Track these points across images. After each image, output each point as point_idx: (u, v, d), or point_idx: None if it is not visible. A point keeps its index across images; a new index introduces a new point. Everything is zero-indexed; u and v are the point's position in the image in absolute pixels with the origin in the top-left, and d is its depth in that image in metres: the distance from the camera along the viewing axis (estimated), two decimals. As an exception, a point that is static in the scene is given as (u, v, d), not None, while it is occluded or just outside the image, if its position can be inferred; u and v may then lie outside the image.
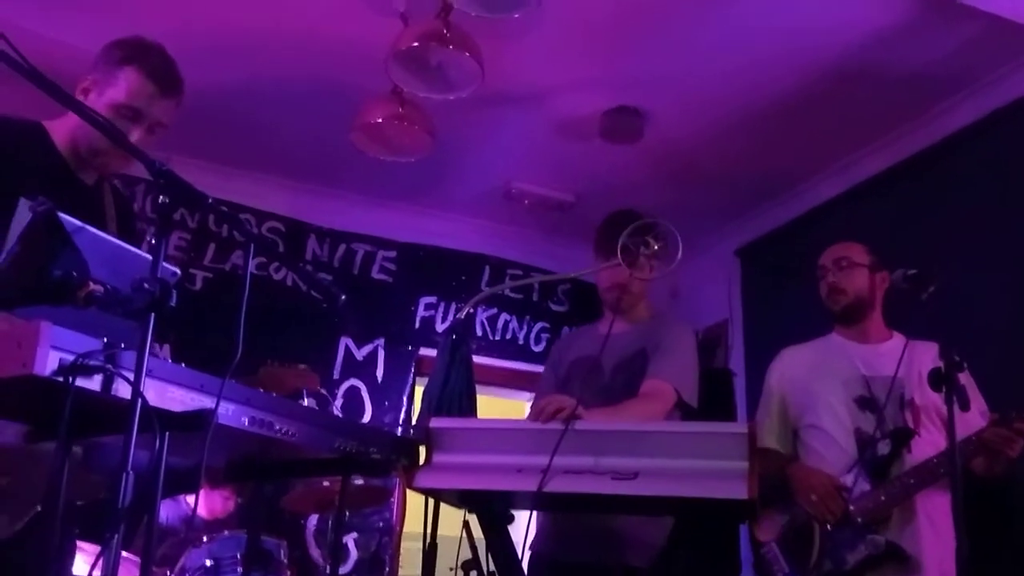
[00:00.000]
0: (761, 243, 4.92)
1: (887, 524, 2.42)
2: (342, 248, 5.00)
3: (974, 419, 2.40)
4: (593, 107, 4.05)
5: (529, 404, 2.76)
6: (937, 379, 2.05)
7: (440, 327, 5.11)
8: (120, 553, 1.38)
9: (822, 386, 2.65)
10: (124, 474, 1.35)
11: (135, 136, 1.97)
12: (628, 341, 2.54)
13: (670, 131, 4.19)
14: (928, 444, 2.35)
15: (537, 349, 5.23)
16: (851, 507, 2.46)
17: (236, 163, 4.58)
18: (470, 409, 2.42)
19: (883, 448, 2.47)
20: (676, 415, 2.46)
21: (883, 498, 2.42)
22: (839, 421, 2.57)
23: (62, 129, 2.01)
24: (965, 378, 2.51)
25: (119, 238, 1.99)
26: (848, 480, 2.47)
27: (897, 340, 2.62)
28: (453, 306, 5.15)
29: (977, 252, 3.53)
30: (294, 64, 3.78)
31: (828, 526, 2.46)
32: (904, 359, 2.43)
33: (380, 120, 3.49)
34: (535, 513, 2.36)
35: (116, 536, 1.32)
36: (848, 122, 4.04)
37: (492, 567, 2.56)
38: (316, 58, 3.73)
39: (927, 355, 2.35)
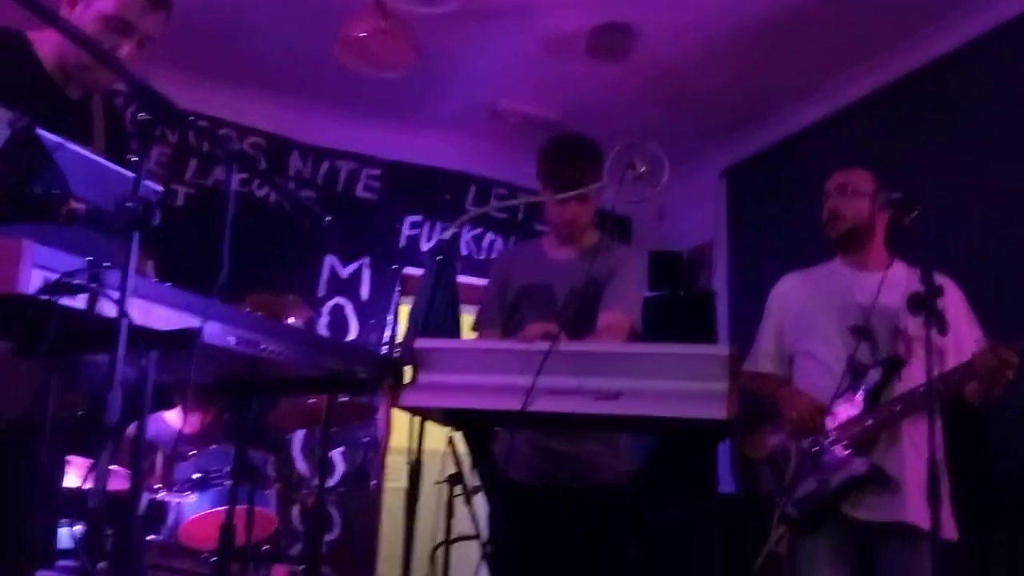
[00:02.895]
0: (747, 165, 4.91)
1: (873, 448, 2.47)
2: (325, 165, 4.95)
3: (968, 346, 2.43)
4: (581, 23, 3.97)
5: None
6: (916, 303, 2.07)
7: (425, 246, 5.10)
8: (108, 468, 1.40)
9: (818, 313, 2.67)
10: (110, 392, 1.36)
11: (125, 50, 1.92)
12: (578, 268, 2.53)
13: (658, 50, 4.12)
14: (918, 372, 2.38)
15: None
16: (838, 430, 2.51)
17: (217, 76, 4.47)
18: (455, 330, 2.44)
19: (874, 376, 2.50)
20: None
21: (869, 423, 2.47)
22: (832, 349, 2.60)
23: (47, 41, 1.95)
24: (961, 306, 2.55)
25: (108, 153, 1.98)
26: (838, 406, 2.52)
27: (898, 269, 2.61)
28: (438, 225, 5.13)
29: (964, 176, 3.53)
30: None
31: (810, 448, 2.52)
32: (898, 287, 2.44)
33: (364, 34, 3.42)
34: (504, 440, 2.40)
35: (104, 453, 1.34)
36: (836, 44, 3.99)
37: (475, 482, 2.64)
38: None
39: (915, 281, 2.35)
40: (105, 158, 1.96)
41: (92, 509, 1.48)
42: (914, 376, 2.46)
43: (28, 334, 1.51)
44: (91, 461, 2.70)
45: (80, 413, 1.81)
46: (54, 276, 1.32)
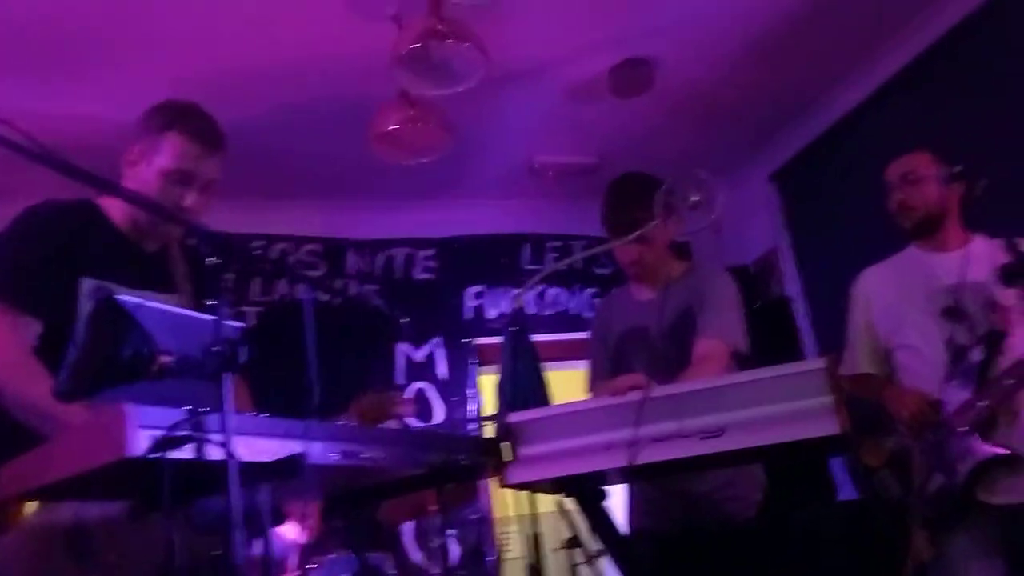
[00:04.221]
0: (794, 164, 4.84)
1: (994, 429, 2.38)
2: (381, 256, 5.03)
3: None
4: (599, 66, 4.00)
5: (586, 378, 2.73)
6: (1008, 275, 2.01)
7: (491, 313, 5.13)
8: (247, 608, 1.42)
9: (906, 304, 2.60)
10: (235, 532, 1.39)
11: (190, 199, 2.00)
12: (670, 304, 2.50)
13: (679, 74, 4.12)
14: (1021, 342, 2.29)
15: (590, 315, 5.22)
16: (954, 418, 2.42)
17: (266, 195, 4.61)
18: (544, 397, 2.43)
19: (976, 355, 2.42)
20: (733, 367, 2.44)
21: (984, 403, 2.38)
22: (928, 336, 2.52)
23: (117, 206, 2.04)
24: None
25: (195, 298, 2.05)
26: (946, 393, 2.43)
27: (978, 243, 2.54)
28: (500, 290, 5.16)
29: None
30: (302, 90, 3.81)
31: (931, 443, 2.43)
32: (983, 261, 2.37)
33: (396, 126, 3.49)
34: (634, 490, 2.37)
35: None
36: (858, 24, 3.92)
37: (596, 545, 2.59)
38: (322, 80, 3.74)
39: (1001, 253, 2.28)
40: (192, 304, 2.04)
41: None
42: (1018, 346, 2.37)
43: (144, 492, 1.56)
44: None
45: (214, 554, 1.84)
46: (159, 433, 1.36)
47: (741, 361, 2.44)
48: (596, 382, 2.65)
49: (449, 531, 4.56)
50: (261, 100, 3.83)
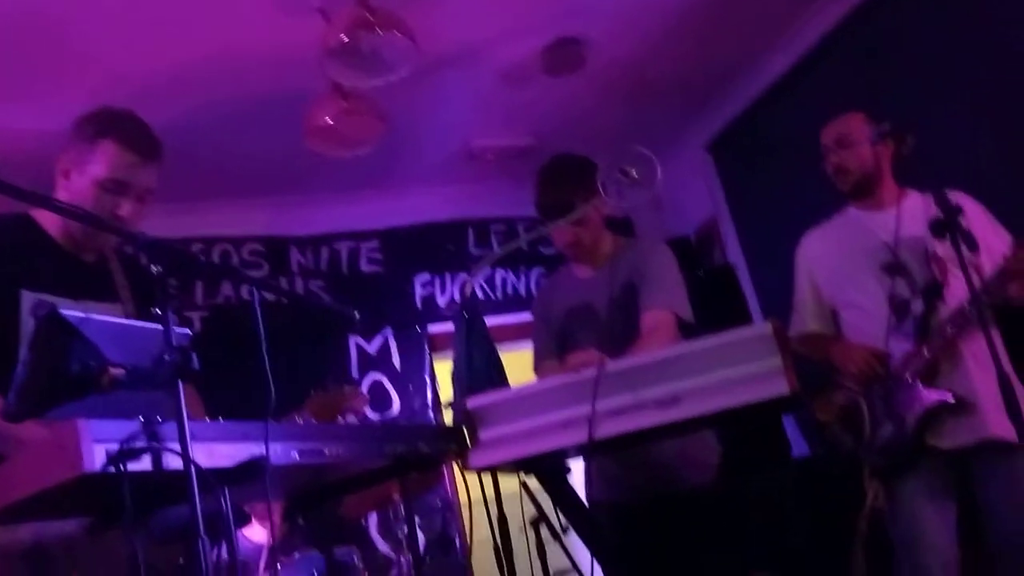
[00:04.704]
0: (728, 133, 4.92)
1: (937, 376, 2.46)
2: (325, 251, 4.99)
3: (1000, 253, 2.42)
4: (531, 46, 4.01)
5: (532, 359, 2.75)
6: (939, 228, 2.07)
7: (441, 301, 5.13)
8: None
9: (848, 263, 2.67)
10: (199, 540, 1.38)
11: (125, 209, 1.96)
12: (610, 279, 2.53)
13: (610, 51, 4.15)
14: (959, 291, 2.37)
15: (540, 295, 5.26)
16: (899, 369, 2.50)
17: (203, 196, 4.53)
18: (500, 379, 2.45)
19: (917, 307, 2.50)
20: (679, 336, 2.48)
21: (927, 353, 2.46)
22: (870, 292, 2.59)
23: (51, 217, 1.99)
24: (984, 219, 2.54)
25: (137, 307, 2.01)
26: (891, 345, 2.50)
27: (911, 198, 2.62)
28: (448, 277, 5.16)
29: (956, 85, 3.46)
30: (231, 87, 3.74)
31: (878, 395, 2.50)
32: (917, 215, 2.44)
33: (330, 120, 3.46)
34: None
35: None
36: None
37: (561, 520, 2.62)
38: (250, 76, 3.68)
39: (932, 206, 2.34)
40: (135, 313, 2.01)
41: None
42: (956, 296, 2.46)
43: (104, 506, 1.54)
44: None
45: (181, 561, 1.83)
46: (115, 446, 1.34)
47: (686, 329, 2.49)
48: (542, 362, 2.67)
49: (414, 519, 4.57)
50: (191, 100, 3.76)
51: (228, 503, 1.45)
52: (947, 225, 2.05)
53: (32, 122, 3.56)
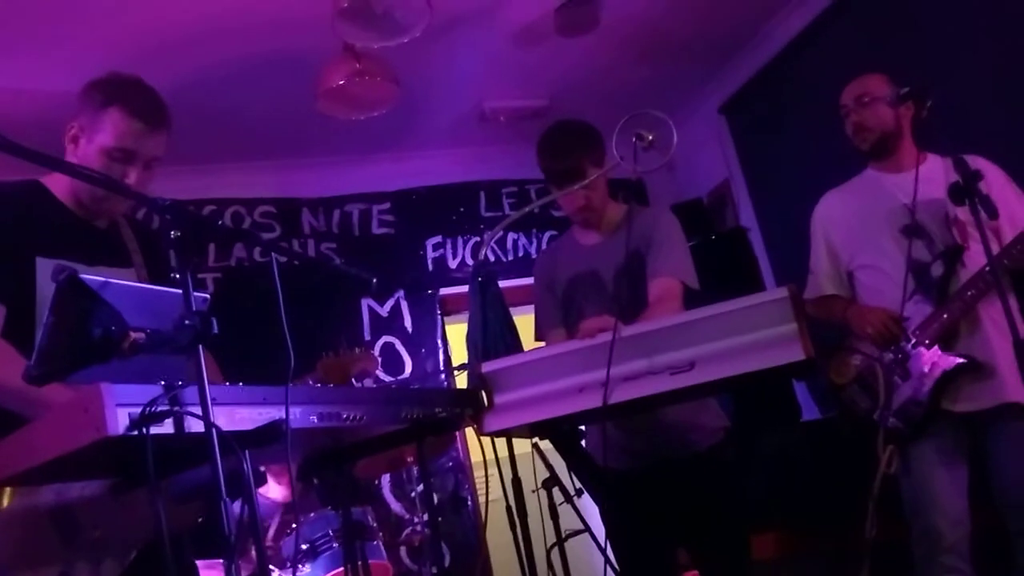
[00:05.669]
0: (743, 95, 4.87)
1: (956, 339, 2.46)
2: (337, 213, 4.99)
3: (1021, 218, 2.40)
4: (544, 6, 3.96)
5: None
6: (958, 193, 2.05)
7: (452, 264, 5.13)
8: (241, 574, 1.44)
9: (866, 225, 2.65)
10: (222, 502, 1.40)
11: (133, 177, 1.95)
12: (616, 246, 2.51)
13: (623, 10, 4.09)
14: (980, 255, 2.36)
15: (550, 258, 5.25)
16: (916, 331, 2.49)
17: (215, 158, 4.54)
18: (515, 344, 2.45)
19: (936, 270, 2.48)
20: (686, 305, 2.47)
21: (945, 316, 2.45)
22: (888, 255, 2.58)
23: (61, 182, 1.99)
24: (1004, 183, 2.52)
25: (148, 272, 2.02)
26: (909, 308, 2.50)
27: (932, 161, 2.59)
28: (460, 240, 5.16)
29: (974, 47, 3.40)
30: (243, 47, 3.71)
31: (895, 358, 2.50)
32: (937, 178, 2.42)
33: (342, 82, 3.44)
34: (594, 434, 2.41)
35: (233, 564, 1.38)
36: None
37: (574, 484, 2.64)
38: (262, 36, 3.65)
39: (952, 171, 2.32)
40: (147, 277, 2.02)
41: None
42: (976, 260, 2.44)
43: (129, 468, 1.56)
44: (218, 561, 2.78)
45: (200, 520, 1.86)
46: (137, 410, 1.36)
47: (692, 297, 2.48)
48: (547, 329, 2.65)
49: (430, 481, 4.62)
50: (202, 59, 3.73)
51: (249, 466, 1.46)
52: (966, 190, 2.04)
53: (34, 81, 3.54)
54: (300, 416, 1.62)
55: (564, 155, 2.52)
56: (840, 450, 3.00)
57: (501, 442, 2.29)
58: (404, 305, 4.97)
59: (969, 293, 2.42)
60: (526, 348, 2.42)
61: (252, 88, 4.01)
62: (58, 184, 2.00)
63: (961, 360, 2.41)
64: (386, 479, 4.57)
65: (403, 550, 4.38)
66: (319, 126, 4.14)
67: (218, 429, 1.39)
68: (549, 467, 3.12)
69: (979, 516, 2.47)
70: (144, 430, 1.35)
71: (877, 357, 2.55)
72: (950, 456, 2.47)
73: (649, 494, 2.43)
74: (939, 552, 2.42)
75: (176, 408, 1.39)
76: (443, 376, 4.83)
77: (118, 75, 2.02)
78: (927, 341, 2.47)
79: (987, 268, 2.32)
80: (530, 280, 2.80)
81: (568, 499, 2.92)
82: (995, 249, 2.12)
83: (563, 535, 3.04)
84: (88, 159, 1.94)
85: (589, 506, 2.85)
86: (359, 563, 2.82)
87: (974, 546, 2.43)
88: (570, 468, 2.37)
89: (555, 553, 3.03)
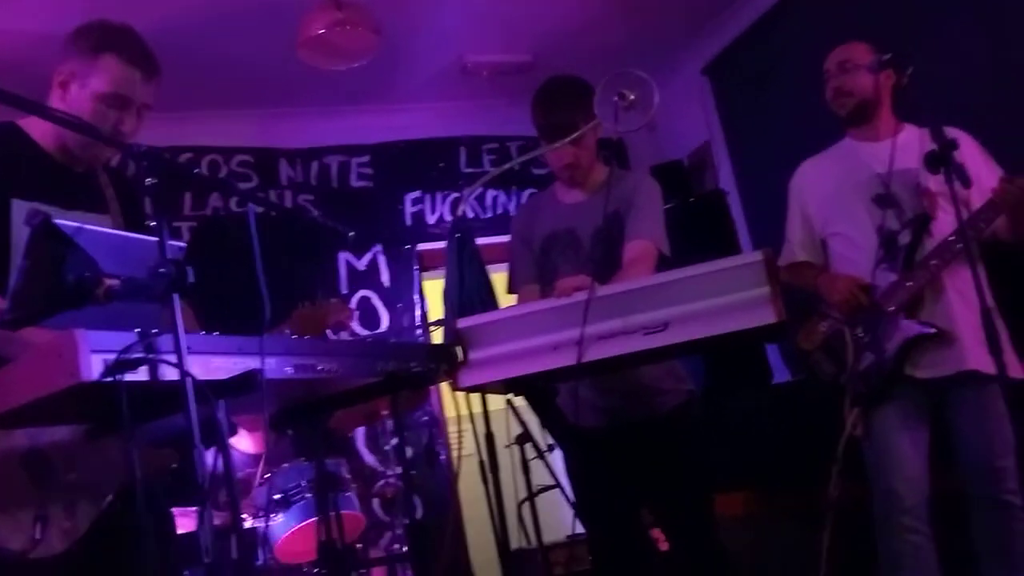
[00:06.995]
0: (726, 56, 4.84)
1: (920, 307, 2.50)
2: (315, 165, 4.95)
3: (991, 186, 2.43)
4: (529, -40, 3.92)
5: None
6: (934, 161, 2.07)
7: (431, 219, 5.11)
8: (213, 522, 1.46)
9: (840, 194, 2.68)
10: (195, 450, 1.41)
11: (128, 125, 1.95)
12: (594, 207, 2.52)
13: (611, -34, 4.06)
14: (947, 225, 2.39)
15: (529, 216, 5.24)
16: (882, 299, 2.53)
17: (192, 106, 4.43)
18: (491, 301, 2.46)
19: (904, 238, 2.51)
20: (658, 268, 2.49)
21: (910, 283, 2.49)
22: (859, 223, 2.61)
23: (42, 126, 1.96)
24: (978, 154, 2.55)
25: (126, 218, 2.01)
26: (877, 277, 2.53)
27: (908, 132, 2.61)
28: (439, 195, 5.14)
29: (959, 18, 3.40)
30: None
31: (862, 325, 2.54)
32: (912, 149, 2.44)
33: (323, 30, 3.39)
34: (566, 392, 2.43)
35: (206, 511, 1.39)
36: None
37: (546, 440, 2.68)
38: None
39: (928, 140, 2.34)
40: (124, 225, 2.00)
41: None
42: (943, 229, 2.48)
43: (103, 414, 1.56)
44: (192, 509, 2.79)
45: (174, 466, 1.87)
46: (112, 356, 1.36)
47: (663, 261, 2.51)
48: (520, 284, 2.67)
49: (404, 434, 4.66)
50: (183, 5, 3.66)
51: (225, 415, 1.47)
52: (941, 159, 2.06)
53: (14, 23, 3.47)
54: (275, 367, 1.62)
55: (558, 109, 2.52)
56: (808, 412, 3.06)
57: (475, 398, 2.32)
58: (382, 259, 4.96)
59: (934, 261, 2.46)
60: (502, 305, 2.44)
61: (232, 35, 3.93)
62: (37, 127, 1.97)
63: (924, 329, 2.46)
64: (360, 432, 4.59)
65: (376, 502, 4.43)
66: (299, 76, 4.09)
67: (192, 377, 1.40)
68: (522, 423, 3.15)
69: (941, 481, 2.53)
70: (118, 377, 1.35)
71: (845, 323, 2.59)
72: (912, 420, 2.52)
73: (615, 453, 2.47)
74: (898, 512, 2.48)
75: (151, 355, 1.39)
76: (419, 331, 4.85)
77: (110, 22, 2.00)
78: (892, 308, 2.51)
79: (952, 237, 2.36)
80: (508, 238, 2.80)
81: (540, 455, 2.95)
82: (963, 217, 2.15)
83: (534, 490, 3.08)
84: (79, 104, 1.91)
85: (560, 462, 2.89)
86: (332, 513, 2.85)
87: (934, 509, 2.49)
88: (543, 424, 2.40)
89: (526, 507, 3.08)
